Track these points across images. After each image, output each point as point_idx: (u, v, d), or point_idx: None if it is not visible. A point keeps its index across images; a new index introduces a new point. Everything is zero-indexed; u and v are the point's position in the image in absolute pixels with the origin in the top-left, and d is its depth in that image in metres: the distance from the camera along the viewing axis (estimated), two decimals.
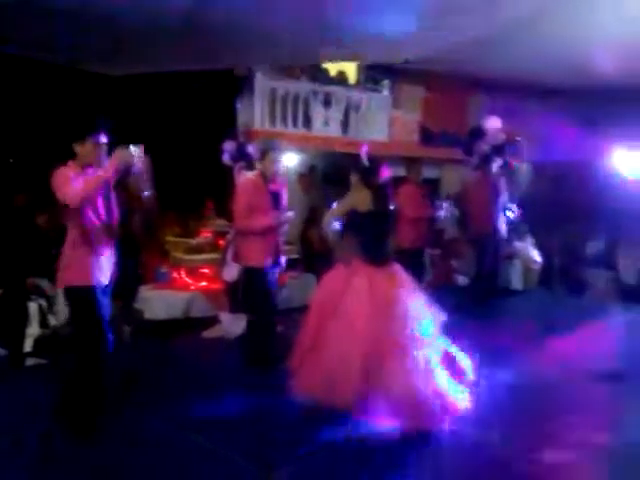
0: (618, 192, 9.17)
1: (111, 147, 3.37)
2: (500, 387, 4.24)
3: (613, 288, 8.15)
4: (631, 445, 3.44)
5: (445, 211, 5.74)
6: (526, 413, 3.94)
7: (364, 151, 3.95)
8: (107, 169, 3.25)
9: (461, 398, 3.56)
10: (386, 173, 3.96)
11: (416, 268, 5.75)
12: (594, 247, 9.19)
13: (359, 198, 3.84)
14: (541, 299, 7.82)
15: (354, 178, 3.98)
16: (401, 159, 10.26)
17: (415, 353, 3.43)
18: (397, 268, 3.81)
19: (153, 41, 5.61)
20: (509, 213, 6.04)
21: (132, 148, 3.23)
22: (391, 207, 3.94)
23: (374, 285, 3.61)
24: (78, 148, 3.30)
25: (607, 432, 3.69)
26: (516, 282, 8.26)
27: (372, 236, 3.81)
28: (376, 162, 4.01)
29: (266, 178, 4.53)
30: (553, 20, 6.21)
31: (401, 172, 9.93)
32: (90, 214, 3.32)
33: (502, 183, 6.27)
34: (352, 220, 3.86)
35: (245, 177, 5.02)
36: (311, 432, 3.44)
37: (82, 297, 3.32)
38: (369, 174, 3.94)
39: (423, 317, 3.59)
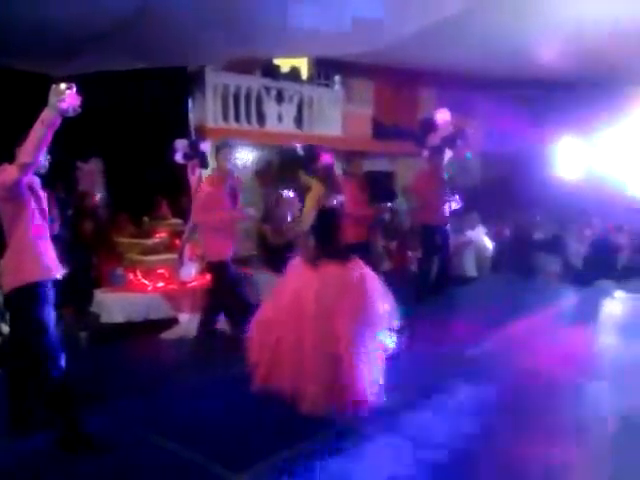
0: (564, 180, 9.52)
1: (56, 150, 3.26)
2: (462, 372, 4.37)
3: (562, 271, 8.48)
4: (599, 419, 3.62)
5: (397, 204, 5.80)
6: (493, 399, 4.04)
7: (299, 146, 3.96)
8: (44, 116, 2.95)
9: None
10: (327, 158, 3.94)
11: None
12: (543, 233, 9.52)
13: (316, 194, 3.81)
14: (495, 284, 8.07)
15: (302, 177, 3.95)
16: (355, 153, 10.39)
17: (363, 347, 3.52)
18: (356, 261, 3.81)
19: (98, 40, 5.50)
20: (454, 204, 6.14)
21: (63, 85, 3.01)
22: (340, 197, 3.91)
23: (330, 281, 3.64)
24: (19, 152, 3.15)
25: (570, 410, 3.87)
26: (470, 269, 8.48)
27: (329, 231, 3.82)
28: (311, 150, 4.02)
29: (221, 175, 4.55)
30: (495, 12, 6.39)
31: None
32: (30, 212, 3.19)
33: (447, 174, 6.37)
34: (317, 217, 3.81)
35: (201, 173, 5.06)
36: (276, 434, 3.44)
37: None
38: (309, 163, 3.94)
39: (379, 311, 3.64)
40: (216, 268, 4.90)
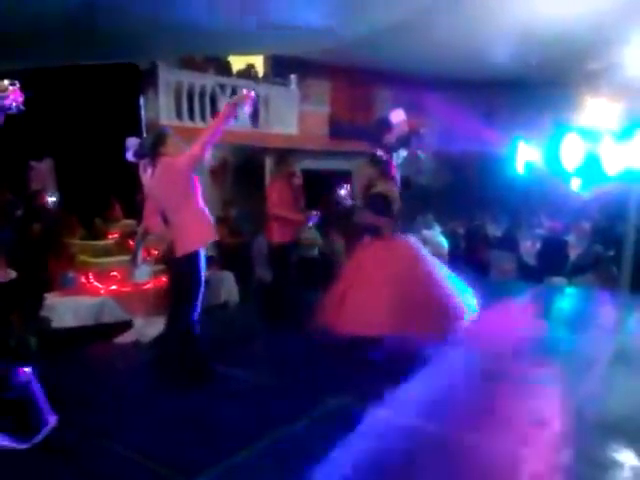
0: (517, 179, 9.77)
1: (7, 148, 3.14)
2: (425, 367, 4.43)
3: (515, 268, 8.71)
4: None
5: (347, 200, 5.75)
6: (456, 392, 4.11)
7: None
8: None
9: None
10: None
11: (285, 264, 5.85)
12: (496, 231, 9.77)
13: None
14: None
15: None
16: (312, 152, 10.40)
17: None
18: None
19: (44, 35, 5.31)
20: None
21: (5, 82, 2.92)
22: None
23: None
24: None
25: (523, 402, 3.96)
26: None
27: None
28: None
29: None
30: (449, 14, 6.51)
31: (312, 165, 10.10)
32: None
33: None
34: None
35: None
36: (229, 436, 3.41)
37: None
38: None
39: None
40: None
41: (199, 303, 4.14)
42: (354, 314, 4.43)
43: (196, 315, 4.15)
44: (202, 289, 4.12)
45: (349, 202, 5.43)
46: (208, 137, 3.96)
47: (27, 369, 3.24)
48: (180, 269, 4.11)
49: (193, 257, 4.03)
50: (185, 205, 4.01)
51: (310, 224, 6.08)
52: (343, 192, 5.52)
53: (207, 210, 4.14)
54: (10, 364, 3.24)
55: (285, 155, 6.03)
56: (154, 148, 4.11)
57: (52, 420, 3.28)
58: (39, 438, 3.20)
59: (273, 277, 6.04)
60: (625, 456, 3.24)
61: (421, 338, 4.58)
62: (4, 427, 3.17)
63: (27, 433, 3.19)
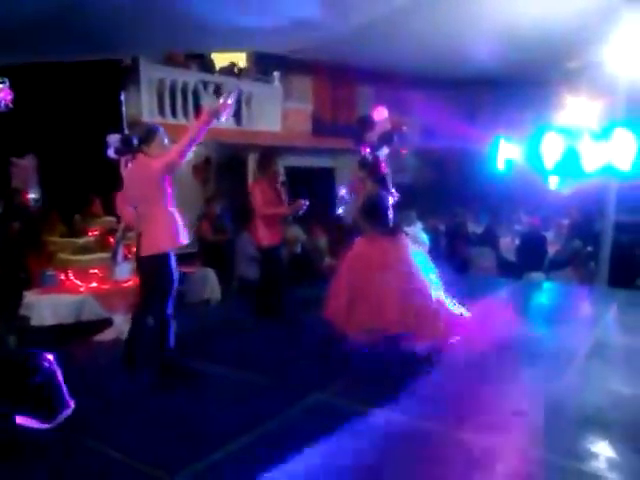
0: (498, 177, 9.87)
1: None
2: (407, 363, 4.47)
3: (495, 264, 8.81)
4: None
5: (343, 200, 5.73)
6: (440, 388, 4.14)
7: None
8: None
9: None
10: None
11: (277, 265, 5.82)
12: (477, 228, 9.87)
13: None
14: None
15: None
16: (295, 149, 10.40)
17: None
18: None
19: (25, 32, 5.25)
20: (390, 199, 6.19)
21: None
22: None
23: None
24: None
25: (503, 395, 4.02)
26: None
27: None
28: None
29: None
30: (431, 12, 6.55)
31: (295, 162, 10.11)
32: None
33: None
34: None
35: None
36: (211, 433, 3.41)
37: None
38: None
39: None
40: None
41: (170, 302, 4.11)
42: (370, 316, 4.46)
43: (169, 313, 4.13)
44: (172, 288, 4.10)
45: (347, 200, 5.43)
46: (185, 145, 3.92)
47: (50, 355, 3.46)
48: (143, 268, 4.12)
49: (158, 258, 4.01)
50: (155, 207, 3.99)
51: (300, 213, 5.96)
52: (343, 192, 5.52)
53: (177, 214, 4.11)
54: (36, 350, 3.42)
55: (268, 155, 5.99)
56: (139, 143, 4.08)
57: (71, 403, 3.45)
58: (60, 419, 3.37)
59: (264, 276, 5.96)
60: (600, 447, 3.31)
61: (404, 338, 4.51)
62: (28, 409, 3.31)
63: (50, 415, 3.35)
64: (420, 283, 4.55)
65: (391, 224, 4.87)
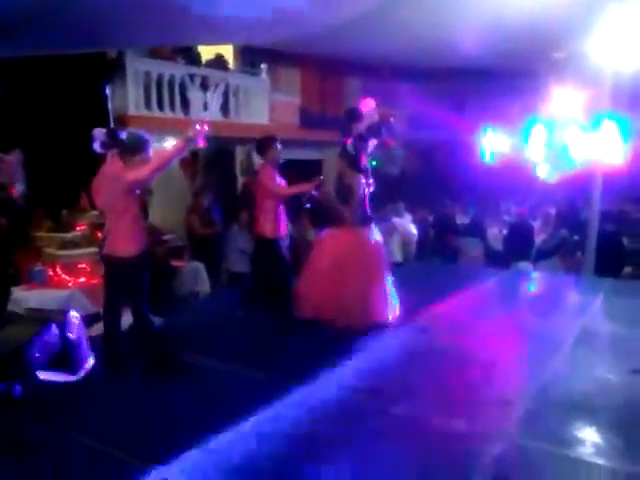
0: (485, 168, 9.93)
1: None
2: (394, 350, 4.51)
3: (482, 254, 8.88)
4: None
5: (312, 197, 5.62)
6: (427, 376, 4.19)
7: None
8: None
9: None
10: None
11: (279, 260, 5.55)
12: (465, 218, 9.92)
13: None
14: (420, 269, 8.33)
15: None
16: (283, 142, 10.34)
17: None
18: None
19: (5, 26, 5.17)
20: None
21: None
22: None
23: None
24: None
25: (492, 384, 4.05)
26: (396, 255, 8.70)
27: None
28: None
29: None
30: (418, 2, 6.54)
31: (283, 155, 10.06)
32: None
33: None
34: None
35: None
36: (195, 424, 3.39)
37: None
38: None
39: None
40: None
41: (144, 300, 4.14)
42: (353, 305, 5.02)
43: (146, 311, 4.15)
44: (143, 288, 4.13)
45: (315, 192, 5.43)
46: (158, 165, 3.98)
47: (76, 314, 3.97)
48: (107, 267, 4.19)
49: (117, 260, 4.06)
50: (121, 213, 4.00)
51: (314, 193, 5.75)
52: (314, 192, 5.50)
53: (141, 223, 4.18)
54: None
55: (264, 139, 5.72)
56: (125, 150, 4.05)
57: (92, 359, 3.94)
58: (84, 373, 3.88)
59: (260, 268, 5.70)
60: (587, 433, 3.36)
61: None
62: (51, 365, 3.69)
63: (74, 369, 3.79)
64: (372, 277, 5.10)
65: (364, 214, 5.20)
